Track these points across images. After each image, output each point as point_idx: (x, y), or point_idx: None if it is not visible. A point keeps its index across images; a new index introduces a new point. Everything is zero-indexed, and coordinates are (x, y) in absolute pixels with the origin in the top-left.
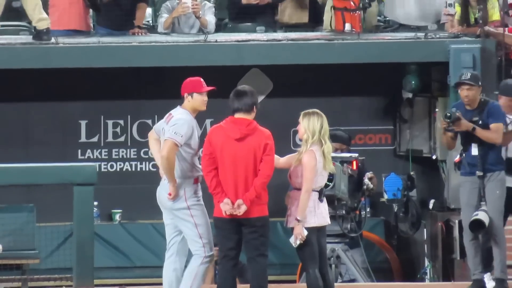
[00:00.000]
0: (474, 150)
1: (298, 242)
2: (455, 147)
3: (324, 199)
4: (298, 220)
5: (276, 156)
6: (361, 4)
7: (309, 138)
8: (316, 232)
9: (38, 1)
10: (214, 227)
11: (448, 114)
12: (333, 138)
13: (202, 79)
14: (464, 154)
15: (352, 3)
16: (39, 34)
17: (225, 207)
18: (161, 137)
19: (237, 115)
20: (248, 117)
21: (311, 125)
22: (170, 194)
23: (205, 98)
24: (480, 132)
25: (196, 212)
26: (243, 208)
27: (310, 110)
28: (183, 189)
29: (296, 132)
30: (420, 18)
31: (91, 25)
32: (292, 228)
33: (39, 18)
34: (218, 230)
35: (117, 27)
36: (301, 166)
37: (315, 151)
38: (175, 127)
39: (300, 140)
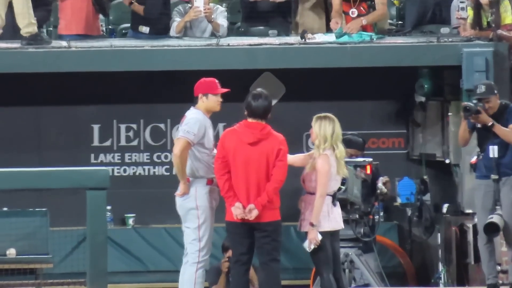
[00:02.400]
0: (492, 152)
1: (312, 247)
2: (468, 144)
3: (337, 203)
4: (312, 225)
5: (289, 156)
6: (370, 10)
7: (320, 144)
8: (330, 237)
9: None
10: (226, 231)
11: (467, 108)
12: (348, 143)
13: (216, 80)
14: (481, 156)
15: (361, 8)
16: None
17: (236, 211)
18: None
19: (251, 119)
20: (262, 121)
21: (322, 130)
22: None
23: (220, 99)
24: (499, 129)
25: (203, 214)
26: (255, 212)
27: (322, 114)
28: (194, 188)
29: (309, 136)
30: None
31: (103, 29)
32: (306, 233)
33: (23, 25)
34: (230, 234)
35: (156, 31)
36: (315, 171)
37: (329, 156)
38: (187, 125)
39: (313, 144)
